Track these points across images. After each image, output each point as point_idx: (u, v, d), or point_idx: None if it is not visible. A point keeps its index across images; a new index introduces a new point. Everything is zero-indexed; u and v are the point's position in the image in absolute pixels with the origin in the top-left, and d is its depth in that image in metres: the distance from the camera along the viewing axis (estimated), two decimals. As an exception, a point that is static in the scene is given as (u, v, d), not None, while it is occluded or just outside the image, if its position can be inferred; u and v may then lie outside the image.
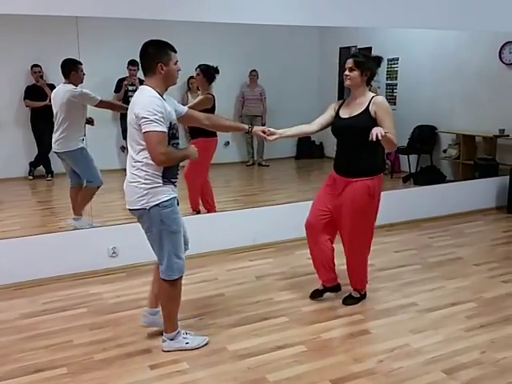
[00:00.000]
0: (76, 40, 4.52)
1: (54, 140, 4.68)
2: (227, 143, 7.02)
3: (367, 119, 3.16)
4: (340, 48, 7.50)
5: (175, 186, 2.83)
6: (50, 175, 6.32)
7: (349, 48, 7.48)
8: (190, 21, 4.30)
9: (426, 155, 6.70)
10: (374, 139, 2.90)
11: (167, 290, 2.86)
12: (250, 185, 7.26)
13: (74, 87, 4.49)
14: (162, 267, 2.82)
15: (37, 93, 6.15)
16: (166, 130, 2.64)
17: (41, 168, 6.45)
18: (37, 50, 6.19)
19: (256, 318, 3.31)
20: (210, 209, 5.01)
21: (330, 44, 7.47)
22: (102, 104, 4.54)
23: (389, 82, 7.16)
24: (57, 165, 6.18)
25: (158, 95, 2.68)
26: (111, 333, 3.15)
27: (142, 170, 2.68)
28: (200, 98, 4.83)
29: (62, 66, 4.53)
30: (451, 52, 6.40)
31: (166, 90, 2.80)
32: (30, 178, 6.47)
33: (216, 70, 4.85)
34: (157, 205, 2.70)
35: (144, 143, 2.64)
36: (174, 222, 2.77)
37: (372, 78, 3.28)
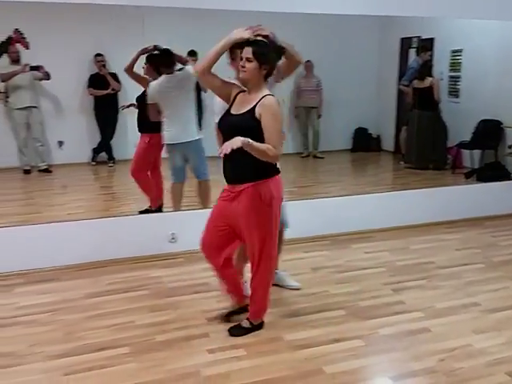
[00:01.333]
0: (140, 29, 4.62)
1: (174, 132, 4.47)
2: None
3: (250, 120, 2.67)
4: (401, 38, 7.32)
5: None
6: (111, 161, 6.53)
7: (410, 38, 7.30)
8: (244, 10, 4.29)
9: (491, 151, 6.45)
10: (221, 155, 2.54)
11: None
12: (305, 176, 7.22)
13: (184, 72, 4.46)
14: None
15: (100, 81, 6.35)
16: None
17: (103, 154, 6.67)
18: (100, 39, 6.37)
19: (312, 310, 3.31)
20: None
21: (390, 34, 7.30)
22: None
23: (452, 74, 6.92)
24: (118, 151, 6.39)
25: None
26: (171, 316, 3.23)
27: None
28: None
29: (168, 57, 4.44)
30: (518, 44, 6.11)
31: None
32: (93, 163, 6.70)
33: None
34: None
35: None
36: None
37: (270, 74, 2.79)
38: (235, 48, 2.80)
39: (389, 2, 4.60)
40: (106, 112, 6.40)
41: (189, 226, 4.11)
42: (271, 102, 2.67)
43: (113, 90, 6.07)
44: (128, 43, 4.76)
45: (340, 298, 3.48)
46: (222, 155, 2.55)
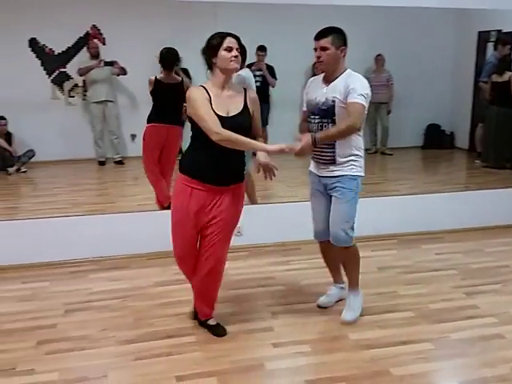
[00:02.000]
0: (213, 24, 4.67)
1: None
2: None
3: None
4: (479, 32, 6.99)
5: (312, 160, 3.06)
6: (181, 155, 6.68)
7: (489, 32, 6.95)
8: (315, 4, 4.24)
9: None
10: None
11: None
12: (373, 173, 7.03)
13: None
14: None
15: (170, 76, 6.50)
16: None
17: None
18: (173, 34, 6.51)
19: (379, 310, 3.23)
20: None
21: (467, 27, 6.99)
22: None
23: (534, 68, 6.53)
24: (186, 145, 6.52)
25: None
26: (235, 308, 3.26)
27: None
28: None
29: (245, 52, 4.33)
30: None
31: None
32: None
33: None
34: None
35: None
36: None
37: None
38: None
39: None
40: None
41: (255, 219, 4.14)
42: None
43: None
44: (200, 39, 4.81)
45: (409, 300, 3.38)
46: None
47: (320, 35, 2.89)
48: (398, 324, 3.07)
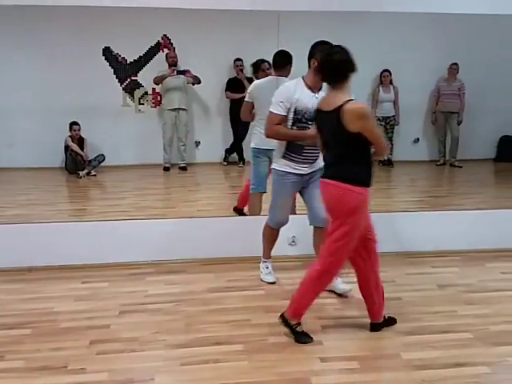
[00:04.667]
0: (275, 35, 4.70)
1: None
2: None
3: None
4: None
5: (297, 163, 3.42)
6: (241, 162, 6.78)
7: None
8: (387, 11, 4.16)
9: None
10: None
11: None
12: (439, 186, 6.83)
13: (287, 80, 4.01)
14: None
15: (237, 85, 6.62)
16: (282, 113, 3.29)
17: (234, 155, 6.94)
18: (239, 44, 6.63)
19: (435, 330, 3.10)
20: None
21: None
22: None
23: None
24: (248, 153, 6.59)
25: (294, 84, 3.33)
26: (285, 318, 3.24)
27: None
28: None
29: (276, 58, 4.05)
30: None
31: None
32: (225, 163, 7.01)
33: None
34: (273, 168, 3.53)
35: None
36: (276, 191, 3.57)
37: None
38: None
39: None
40: (239, 115, 6.65)
41: (309, 230, 4.10)
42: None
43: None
44: (264, 48, 4.86)
45: (468, 320, 3.22)
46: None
47: None
48: (454, 345, 2.93)
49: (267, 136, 3.44)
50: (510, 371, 2.70)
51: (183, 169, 6.82)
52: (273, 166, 3.56)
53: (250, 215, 4.46)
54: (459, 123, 7.08)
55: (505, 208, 4.72)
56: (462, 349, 2.90)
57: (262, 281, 3.79)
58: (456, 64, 6.93)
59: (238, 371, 2.68)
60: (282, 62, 3.99)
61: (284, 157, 3.45)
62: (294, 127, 3.35)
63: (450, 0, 4.15)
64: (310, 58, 3.32)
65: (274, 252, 4.20)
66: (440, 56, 6.84)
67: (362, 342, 2.98)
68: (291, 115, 3.32)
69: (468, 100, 6.99)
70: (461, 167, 6.95)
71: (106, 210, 5.03)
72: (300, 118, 3.32)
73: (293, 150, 3.41)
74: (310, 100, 3.27)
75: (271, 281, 3.78)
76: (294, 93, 3.28)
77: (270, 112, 3.33)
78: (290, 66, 4.04)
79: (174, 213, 5.09)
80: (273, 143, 3.61)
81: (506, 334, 3.06)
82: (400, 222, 4.40)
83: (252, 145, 4.22)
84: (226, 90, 6.95)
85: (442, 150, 7.18)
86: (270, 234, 3.79)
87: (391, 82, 7.06)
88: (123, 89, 7.03)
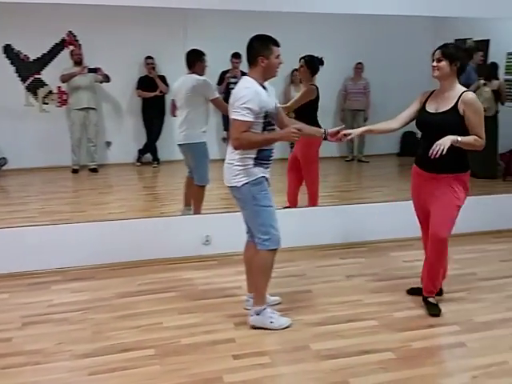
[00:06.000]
0: (184, 33, 4.66)
1: (178, 132, 4.59)
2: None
3: (455, 117, 3.05)
4: (455, 40, 7.04)
5: (266, 168, 3.04)
6: (156, 162, 6.64)
7: (464, 40, 7.01)
8: (296, 12, 4.24)
9: (546, 158, 6.11)
10: (433, 157, 2.92)
11: (261, 261, 3.04)
12: (348, 181, 7.08)
13: (198, 77, 4.37)
14: (258, 239, 3.02)
15: (148, 83, 6.46)
16: (250, 119, 2.85)
17: (148, 155, 6.79)
18: (149, 42, 6.48)
19: (343, 319, 3.22)
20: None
21: (444, 36, 6.99)
22: (215, 101, 4.40)
23: (508, 77, 6.61)
24: (163, 153, 6.49)
25: (256, 86, 2.90)
26: (199, 319, 3.22)
27: (236, 152, 2.94)
28: (303, 90, 4.71)
29: (187, 56, 4.40)
30: None
31: (266, 81, 3.01)
32: (138, 164, 6.83)
33: (321, 62, 4.70)
34: (247, 183, 2.95)
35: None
36: (265, 197, 3.01)
37: (462, 71, 3.13)
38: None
39: (439, 3, 4.45)
40: (152, 114, 6.52)
41: (223, 228, 4.12)
42: (471, 97, 3.05)
43: (161, 92, 6.18)
44: (173, 46, 4.81)
45: (373, 308, 3.37)
46: (433, 157, 2.93)
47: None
48: (360, 333, 3.05)
49: (237, 147, 2.90)
50: (412, 355, 2.85)
51: (94, 170, 6.57)
52: (245, 181, 2.95)
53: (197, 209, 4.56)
54: (365, 120, 7.36)
55: (407, 199, 4.97)
56: (368, 336, 3.02)
57: (278, 329, 3.11)
58: (361, 63, 7.20)
59: (148, 377, 2.63)
60: (190, 60, 4.31)
61: (255, 165, 2.96)
62: (265, 132, 2.96)
63: (353, 1, 4.29)
64: (255, 55, 2.91)
65: (188, 252, 4.18)
66: (347, 55, 7.08)
67: (273, 336, 3.02)
68: (261, 120, 2.91)
69: (373, 98, 7.29)
70: (368, 162, 7.26)
71: (6, 216, 4.72)
72: (270, 120, 2.98)
73: (263, 155, 2.98)
74: (270, 99, 2.99)
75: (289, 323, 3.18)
76: (260, 95, 2.88)
77: (235, 120, 2.84)
78: (201, 63, 4.37)
79: (82, 217, 4.88)
80: None
81: (407, 319, 3.23)
82: (312, 217, 4.53)
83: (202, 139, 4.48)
84: (138, 89, 6.77)
85: (350, 146, 7.44)
86: (273, 262, 3.12)
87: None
88: (26, 88, 6.63)
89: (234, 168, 2.97)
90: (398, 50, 6.89)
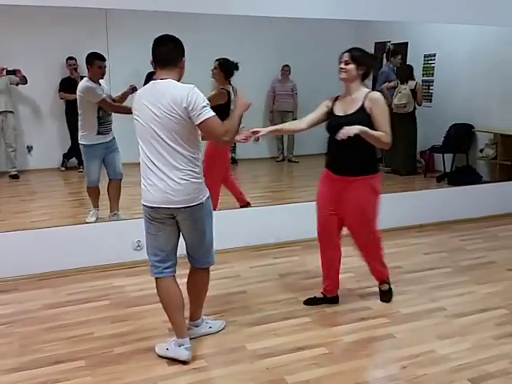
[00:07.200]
0: (105, 33, 4.54)
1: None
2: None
3: (363, 117, 3.07)
4: (375, 43, 7.33)
5: None
6: (81, 167, 6.40)
7: (384, 43, 7.31)
8: (218, 14, 4.24)
9: (462, 155, 6.50)
10: (339, 139, 2.88)
11: (206, 278, 2.96)
12: (279, 181, 7.20)
13: (86, 81, 4.47)
14: (205, 260, 2.89)
15: (71, 85, 6.20)
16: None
17: (73, 160, 6.54)
18: (71, 42, 6.26)
19: (277, 318, 3.26)
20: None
21: (364, 39, 7.28)
22: (103, 103, 4.45)
23: (425, 78, 6.97)
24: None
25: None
26: (132, 326, 3.15)
27: (196, 165, 2.68)
28: (213, 93, 4.53)
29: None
30: (490, 48, 6.16)
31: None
32: (63, 169, 6.58)
33: (235, 66, 4.65)
34: (208, 197, 2.78)
35: (195, 135, 2.65)
36: None
37: (367, 75, 3.19)
38: None
39: (359, 7, 4.60)
40: (77, 116, 6.30)
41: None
42: (377, 96, 3.12)
43: (83, 94, 5.95)
44: (96, 46, 4.67)
45: (306, 305, 3.43)
46: (340, 138, 2.88)
47: None
48: (294, 330, 3.11)
49: (230, 140, 2.74)
50: (345, 349, 2.93)
51: (14, 177, 6.24)
52: (207, 195, 2.77)
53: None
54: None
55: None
56: (302, 333, 3.08)
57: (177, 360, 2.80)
58: (287, 66, 7.34)
59: (79, 389, 2.54)
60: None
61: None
62: None
63: (271, 4, 4.35)
64: (177, 56, 2.73)
65: (118, 259, 4.07)
66: (274, 57, 7.19)
67: (209, 339, 3.01)
68: None
69: (300, 100, 7.44)
70: (297, 162, 7.41)
71: None
72: None
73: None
74: None
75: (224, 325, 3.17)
76: None
77: (209, 118, 2.58)
78: (91, 67, 4.49)
79: (3, 226, 4.63)
80: None
81: (338, 314, 3.33)
82: (244, 218, 4.55)
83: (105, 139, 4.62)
84: (60, 91, 6.52)
85: (281, 147, 7.56)
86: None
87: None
88: None
89: (194, 183, 2.66)
90: (321, 53, 7.07)
